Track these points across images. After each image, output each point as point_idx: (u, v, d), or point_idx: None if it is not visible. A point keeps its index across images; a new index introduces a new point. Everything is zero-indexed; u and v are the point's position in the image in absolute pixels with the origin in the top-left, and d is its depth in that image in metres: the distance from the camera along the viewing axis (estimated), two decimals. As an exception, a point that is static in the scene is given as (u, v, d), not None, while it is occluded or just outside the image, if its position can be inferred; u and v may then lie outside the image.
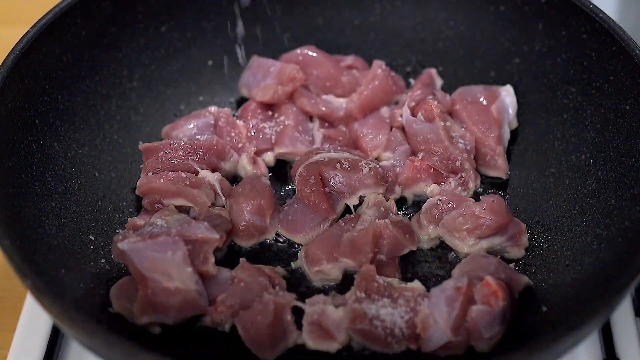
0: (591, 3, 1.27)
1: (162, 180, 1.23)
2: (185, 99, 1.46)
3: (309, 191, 1.24)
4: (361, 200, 1.28)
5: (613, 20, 1.24)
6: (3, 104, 1.15)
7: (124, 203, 1.30)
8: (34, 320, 1.22)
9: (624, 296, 0.97)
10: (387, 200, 1.26)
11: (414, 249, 1.20)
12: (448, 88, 1.43)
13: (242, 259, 1.18)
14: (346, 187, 1.25)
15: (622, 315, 1.23)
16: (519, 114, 1.38)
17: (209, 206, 1.23)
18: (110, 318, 1.12)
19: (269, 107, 1.41)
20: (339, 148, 1.33)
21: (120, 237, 1.13)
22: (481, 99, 1.35)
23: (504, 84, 1.40)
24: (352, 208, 1.28)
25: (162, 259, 1.09)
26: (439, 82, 1.43)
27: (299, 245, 1.25)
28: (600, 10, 1.26)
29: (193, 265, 1.11)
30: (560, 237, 1.22)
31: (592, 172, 1.23)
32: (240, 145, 1.35)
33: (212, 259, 1.15)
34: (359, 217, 1.22)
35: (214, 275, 1.14)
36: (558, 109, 1.33)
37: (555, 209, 1.26)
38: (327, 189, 1.26)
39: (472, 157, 1.31)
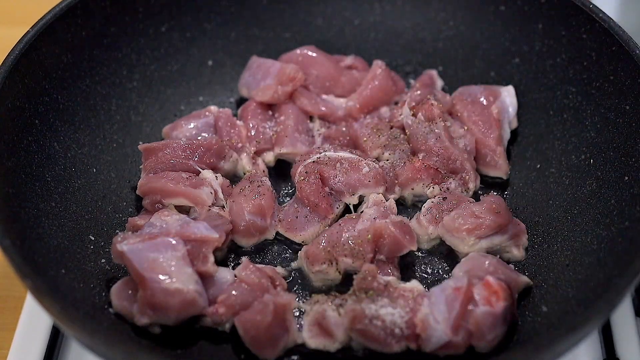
0: (591, 3, 1.27)
1: (163, 180, 1.23)
2: (185, 99, 1.46)
3: (308, 191, 1.24)
4: (361, 200, 1.28)
5: (613, 20, 1.24)
6: (3, 104, 1.15)
7: (124, 203, 1.30)
8: (34, 320, 1.22)
9: (624, 296, 0.97)
10: (387, 200, 1.26)
11: (414, 249, 1.20)
12: (448, 88, 1.44)
13: (244, 258, 1.18)
14: (346, 186, 1.25)
15: (622, 315, 1.23)
16: (519, 114, 1.38)
17: (208, 206, 1.23)
18: (110, 318, 1.12)
19: (269, 107, 1.41)
20: (339, 148, 1.33)
21: (119, 238, 1.13)
22: (481, 99, 1.35)
23: (504, 84, 1.40)
24: (351, 208, 1.28)
25: (161, 259, 1.09)
26: (439, 83, 1.43)
27: (299, 245, 1.25)
28: (600, 10, 1.26)
29: (193, 265, 1.11)
30: (560, 237, 1.22)
31: (592, 172, 1.23)
32: (239, 145, 1.35)
33: (212, 259, 1.15)
34: (359, 216, 1.22)
35: (214, 275, 1.14)
36: (558, 109, 1.33)
37: (555, 209, 1.26)
38: (327, 188, 1.26)
39: (473, 157, 1.31)
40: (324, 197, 1.25)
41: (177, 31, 1.45)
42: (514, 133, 1.37)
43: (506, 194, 1.33)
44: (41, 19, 1.24)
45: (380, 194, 1.26)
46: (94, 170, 1.30)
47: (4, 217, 1.04)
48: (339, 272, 1.19)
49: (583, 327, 0.94)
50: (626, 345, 1.20)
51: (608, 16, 1.25)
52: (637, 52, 1.18)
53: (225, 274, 1.15)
